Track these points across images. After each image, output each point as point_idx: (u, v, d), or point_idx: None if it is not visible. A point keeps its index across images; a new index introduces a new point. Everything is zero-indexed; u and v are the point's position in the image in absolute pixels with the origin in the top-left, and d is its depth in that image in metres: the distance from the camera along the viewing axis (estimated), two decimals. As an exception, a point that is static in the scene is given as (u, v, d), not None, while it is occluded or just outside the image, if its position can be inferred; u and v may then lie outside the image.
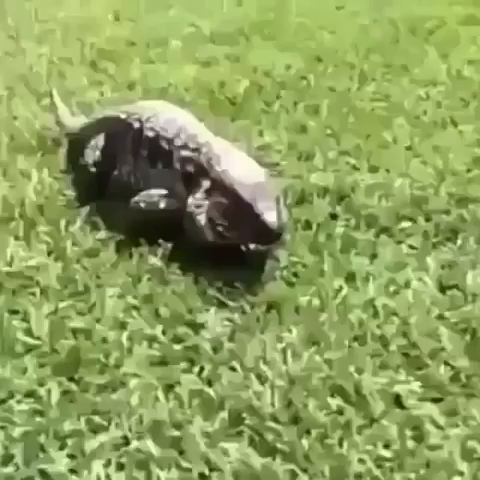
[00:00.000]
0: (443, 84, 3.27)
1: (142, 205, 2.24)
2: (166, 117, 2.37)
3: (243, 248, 2.16)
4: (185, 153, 2.23)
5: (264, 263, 2.11)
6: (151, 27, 4.25)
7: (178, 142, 2.26)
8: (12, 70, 3.60)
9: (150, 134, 2.33)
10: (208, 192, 2.12)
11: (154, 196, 2.24)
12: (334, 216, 2.36)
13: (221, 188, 2.08)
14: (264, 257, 2.12)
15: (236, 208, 2.03)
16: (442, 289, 2.03)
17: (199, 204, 2.11)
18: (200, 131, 2.31)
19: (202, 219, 2.10)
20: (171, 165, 2.26)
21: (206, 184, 2.13)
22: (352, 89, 3.27)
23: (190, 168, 2.21)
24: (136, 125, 2.38)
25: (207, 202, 2.11)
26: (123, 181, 2.43)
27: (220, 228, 2.08)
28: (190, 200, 2.15)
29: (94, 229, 2.29)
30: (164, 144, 2.29)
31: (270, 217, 1.98)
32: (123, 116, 2.45)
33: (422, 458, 1.52)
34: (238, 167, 2.13)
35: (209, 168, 2.16)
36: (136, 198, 2.26)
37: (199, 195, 2.13)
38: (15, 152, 2.81)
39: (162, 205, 2.23)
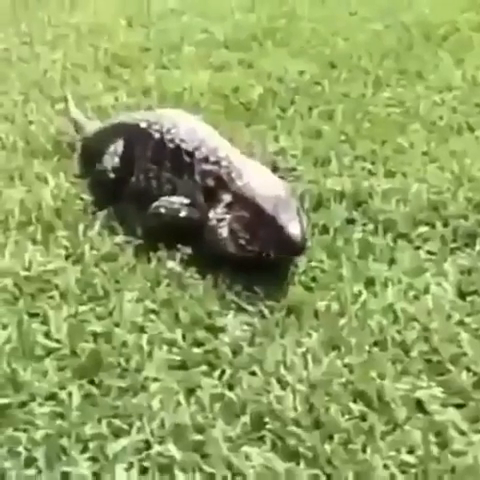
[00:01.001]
0: (458, 89, 3.27)
1: (162, 210, 2.24)
2: (186, 128, 2.38)
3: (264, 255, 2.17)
4: (206, 167, 2.24)
5: (287, 269, 2.10)
6: (164, 33, 4.27)
7: (199, 155, 2.27)
8: (26, 75, 3.61)
9: (171, 146, 2.34)
10: (229, 206, 2.13)
11: (175, 203, 2.25)
12: (351, 221, 2.36)
13: (243, 201, 2.09)
14: (286, 263, 2.12)
15: (259, 221, 2.05)
16: (462, 295, 2.02)
17: (221, 218, 2.13)
18: (219, 144, 2.32)
19: (224, 232, 2.11)
20: (193, 177, 2.27)
21: (227, 198, 2.15)
22: (367, 95, 3.26)
23: (210, 182, 2.22)
24: (156, 136, 2.39)
25: (229, 216, 2.12)
26: (141, 187, 2.44)
27: (242, 241, 2.08)
28: (211, 214, 2.16)
29: (112, 233, 2.29)
30: (185, 156, 2.30)
31: (294, 229, 1.99)
32: (143, 125, 2.46)
33: (446, 464, 1.52)
34: (258, 180, 2.14)
35: (229, 182, 2.17)
36: (157, 203, 2.26)
37: (220, 210, 2.14)
38: (31, 156, 2.81)
39: (183, 213, 2.23)
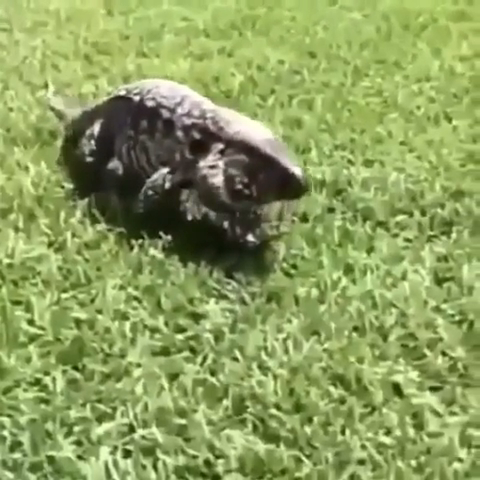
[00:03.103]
0: (436, 80, 3.31)
1: (150, 193, 2.25)
2: (168, 87, 2.38)
3: (241, 241, 2.20)
4: (189, 120, 2.22)
5: (263, 254, 2.14)
6: (144, 20, 4.26)
7: (181, 110, 2.25)
8: (5, 62, 3.60)
9: (150, 104, 2.32)
10: (222, 153, 2.12)
11: (158, 179, 2.24)
12: (331, 209, 2.40)
13: (239, 147, 2.09)
14: (262, 248, 2.15)
15: (259, 163, 2.04)
16: (438, 281, 2.07)
17: (213, 165, 2.11)
18: (204, 99, 2.32)
19: (218, 180, 2.10)
20: (172, 134, 2.25)
21: (219, 146, 2.13)
22: (346, 84, 3.30)
23: (196, 135, 2.20)
24: (136, 99, 2.37)
25: (222, 162, 2.11)
26: (124, 164, 2.42)
27: (240, 186, 2.07)
28: (201, 163, 2.14)
29: (94, 221, 2.30)
30: (165, 112, 2.27)
31: (297, 171, 2.01)
32: (122, 93, 2.46)
33: (422, 445, 1.56)
34: (249, 127, 2.15)
35: (218, 131, 2.15)
36: (143, 188, 2.26)
37: (212, 157, 2.13)
38: (11, 144, 2.81)
39: (167, 184, 2.23)
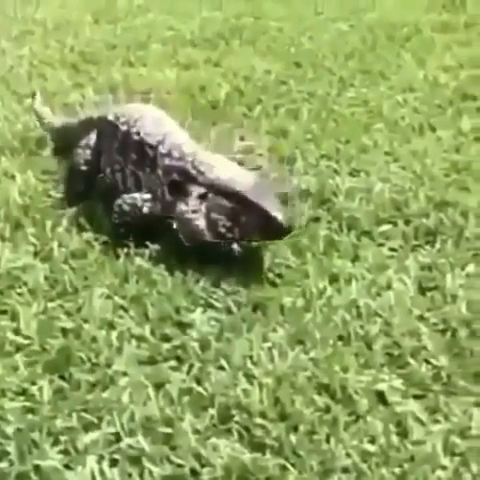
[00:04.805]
0: (420, 90, 3.34)
1: (125, 208, 2.27)
2: (152, 120, 2.40)
3: (227, 250, 2.21)
4: (169, 162, 2.26)
5: (249, 263, 2.16)
6: (130, 30, 4.29)
7: (162, 149, 2.29)
8: (-8, 71, 3.61)
9: (136, 138, 2.36)
10: (202, 197, 2.17)
11: (138, 199, 2.27)
12: (316, 219, 2.41)
13: (221, 192, 2.14)
14: (248, 258, 2.17)
15: (241, 208, 2.10)
16: (422, 290, 2.09)
17: (195, 209, 2.16)
18: (185, 139, 2.34)
19: (201, 223, 2.15)
20: (156, 171, 2.29)
21: (198, 190, 2.18)
22: (332, 94, 3.32)
23: (176, 176, 2.24)
24: (123, 128, 2.41)
25: (203, 206, 2.15)
26: (107, 182, 2.47)
27: (222, 229, 2.13)
28: (183, 207, 2.19)
29: (80, 230, 2.31)
30: (149, 150, 2.32)
31: (278, 215, 2.06)
32: (110, 117, 2.48)
33: (406, 453, 1.58)
34: (230, 171, 2.19)
35: (198, 175, 2.20)
36: (119, 200, 2.28)
37: (193, 201, 2.18)
38: (-2, 153, 2.82)
39: (145, 209, 2.26)
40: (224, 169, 2.20)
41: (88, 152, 2.52)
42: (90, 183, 2.52)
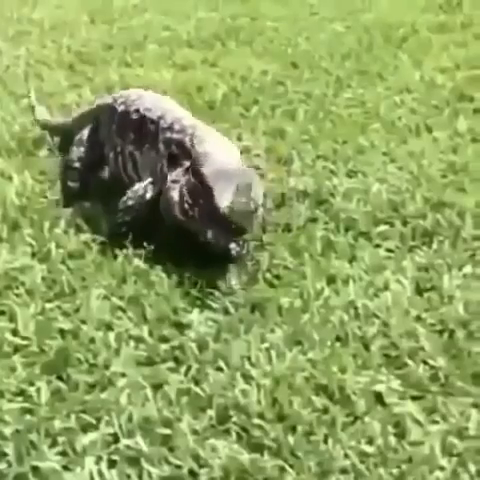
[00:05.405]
0: (417, 91, 3.35)
1: (130, 203, 2.26)
2: (151, 99, 2.42)
3: (224, 250, 2.21)
4: (170, 135, 2.26)
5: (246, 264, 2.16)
6: (127, 30, 4.28)
7: (163, 124, 2.29)
8: (-12, 71, 3.61)
9: (135, 116, 2.36)
10: (186, 170, 2.16)
11: (140, 189, 2.27)
12: (314, 220, 2.42)
13: (194, 168, 2.12)
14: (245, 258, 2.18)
15: (200, 189, 2.08)
16: (419, 291, 2.09)
17: (176, 180, 2.16)
18: (185, 114, 2.36)
19: (175, 194, 2.14)
20: (155, 146, 2.29)
21: (187, 163, 2.17)
22: (328, 95, 3.32)
23: (175, 149, 2.24)
24: (121, 108, 2.41)
25: (184, 178, 2.15)
26: (112, 171, 2.46)
27: (186, 205, 2.11)
28: (168, 177, 2.19)
29: (78, 231, 2.31)
30: (150, 125, 2.32)
31: (223, 203, 2.00)
32: (108, 101, 2.49)
33: (404, 454, 1.58)
34: (216, 149, 2.17)
35: (191, 148, 2.19)
36: (123, 198, 2.28)
37: (178, 172, 2.17)
38: (-5, 154, 2.82)
39: (149, 194, 2.25)
40: (212, 145, 2.18)
41: (81, 149, 2.53)
42: (85, 181, 2.51)
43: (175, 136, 2.25)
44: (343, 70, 3.60)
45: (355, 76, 3.54)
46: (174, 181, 2.16)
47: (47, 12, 4.55)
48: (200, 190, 2.07)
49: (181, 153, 2.22)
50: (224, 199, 2.00)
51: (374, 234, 2.34)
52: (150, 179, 2.27)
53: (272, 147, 2.86)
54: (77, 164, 2.52)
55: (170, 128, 2.27)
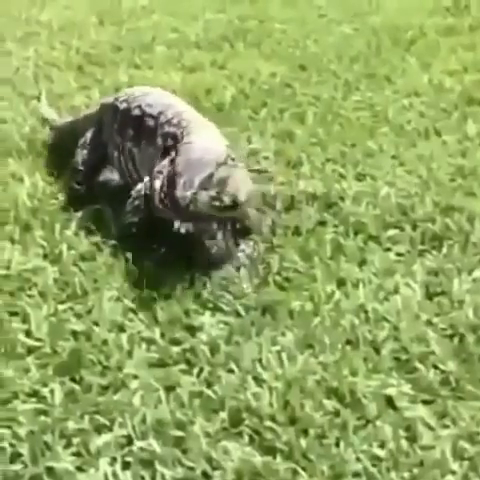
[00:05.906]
0: (425, 94, 3.35)
1: (137, 202, 2.26)
2: (156, 95, 2.43)
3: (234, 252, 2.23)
4: (167, 129, 2.28)
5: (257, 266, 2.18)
6: (135, 32, 4.29)
7: (163, 118, 2.31)
8: (-2, 73, 3.62)
9: (136, 112, 2.38)
10: (172, 161, 2.17)
11: (142, 188, 2.27)
12: (323, 223, 2.43)
13: (173, 157, 2.14)
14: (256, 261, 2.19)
15: (172, 179, 2.10)
16: (429, 295, 2.10)
17: (161, 170, 2.17)
18: (188, 109, 2.36)
19: (158, 183, 2.16)
20: (153, 141, 2.30)
21: (173, 154, 2.19)
22: (337, 98, 3.33)
23: (170, 141, 2.25)
24: (123, 106, 2.43)
25: (167, 169, 2.16)
26: (117, 169, 2.48)
27: (162, 194, 2.13)
28: (155, 167, 2.20)
29: (89, 233, 2.32)
30: (149, 120, 2.33)
31: (181, 191, 2.04)
32: (110, 100, 2.51)
33: (415, 458, 1.59)
34: (200, 142, 2.17)
35: (180, 140, 2.21)
36: (129, 200, 2.28)
37: (164, 162, 2.19)
38: (5, 155, 2.83)
39: (148, 191, 2.25)
40: (199, 137, 2.19)
41: (85, 152, 2.54)
42: (90, 183, 2.52)
43: (171, 129, 2.27)
44: (351, 73, 3.60)
45: (363, 79, 3.54)
46: (159, 171, 2.17)
47: (55, 13, 4.56)
48: (172, 180, 2.09)
49: (173, 145, 2.23)
50: (188, 188, 2.02)
51: (384, 238, 2.35)
52: (147, 178, 2.28)
53: (281, 150, 2.87)
54: (82, 167, 2.54)
55: (168, 122, 2.29)
